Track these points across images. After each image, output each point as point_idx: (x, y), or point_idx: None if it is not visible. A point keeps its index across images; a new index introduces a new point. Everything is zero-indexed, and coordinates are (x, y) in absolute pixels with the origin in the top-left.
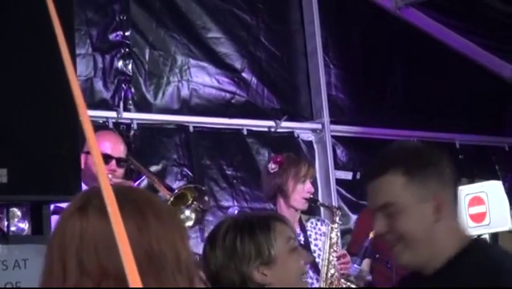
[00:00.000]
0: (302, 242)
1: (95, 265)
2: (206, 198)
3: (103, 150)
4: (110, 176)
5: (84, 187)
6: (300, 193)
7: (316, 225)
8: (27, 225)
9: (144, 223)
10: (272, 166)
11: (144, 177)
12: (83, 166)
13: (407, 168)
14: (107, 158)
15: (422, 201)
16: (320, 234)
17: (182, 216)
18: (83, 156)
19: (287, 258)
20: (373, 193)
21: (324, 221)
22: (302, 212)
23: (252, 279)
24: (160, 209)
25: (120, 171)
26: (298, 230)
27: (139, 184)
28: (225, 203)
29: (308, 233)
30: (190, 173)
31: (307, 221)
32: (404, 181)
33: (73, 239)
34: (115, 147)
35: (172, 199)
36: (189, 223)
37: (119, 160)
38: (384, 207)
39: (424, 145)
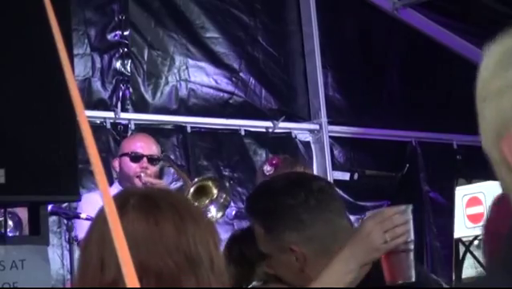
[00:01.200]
0: None
1: (135, 261)
2: (227, 185)
3: (133, 150)
4: (142, 174)
5: (118, 188)
6: None
7: None
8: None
9: (182, 225)
10: (267, 168)
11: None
12: (117, 169)
13: (264, 223)
14: (138, 157)
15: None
16: None
17: (209, 213)
18: (117, 159)
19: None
20: None
21: None
22: None
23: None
24: (197, 213)
25: (153, 169)
26: None
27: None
28: None
29: None
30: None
31: None
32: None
33: (110, 238)
34: (146, 146)
35: (192, 190)
36: (218, 215)
37: (150, 158)
38: None
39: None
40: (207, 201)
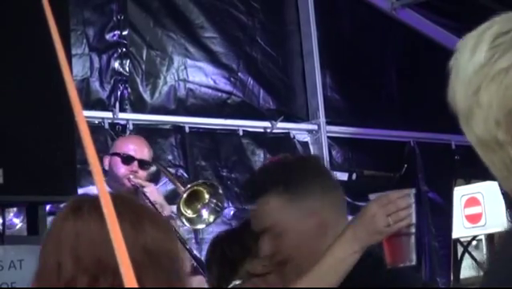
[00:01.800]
0: None
1: (93, 259)
2: (221, 192)
3: (126, 152)
4: (131, 176)
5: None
6: None
7: None
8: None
9: (139, 225)
10: None
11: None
12: (107, 167)
13: (286, 191)
14: (129, 159)
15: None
16: None
17: (198, 216)
18: (107, 158)
19: None
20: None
21: None
22: None
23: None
24: (156, 216)
25: (142, 173)
26: None
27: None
28: None
29: None
30: (185, 174)
31: None
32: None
33: (68, 238)
34: (139, 149)
35: (185, 196)
36: (205, 224)
37: (141, 162)
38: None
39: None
40: (199, 206)
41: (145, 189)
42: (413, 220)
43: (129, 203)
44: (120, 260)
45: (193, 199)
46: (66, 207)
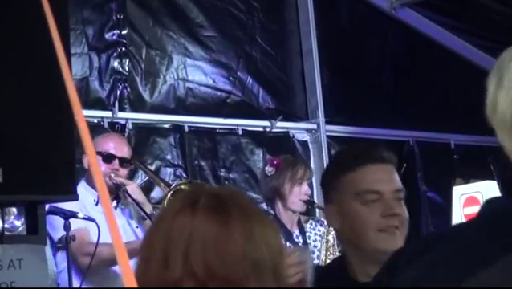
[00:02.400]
0: (300, 244)
1: (202, 264)
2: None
3: (106, 150)
4: (112, 174)
5: (88, 190)
6: (297, 195)
7: (316, 226)
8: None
9: (249, 229)
10: (269, 169)
11: (141, 175)
12: (87, 166)
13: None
14: (110, 158)
15: None
16: (319, 235)
17: None
18: (86, 158)
19: None
20: (393, 175)
21: (323, 221)
22: (302, 213)
23: None
24: (263, 216)
25: (123, 171)
26: (296, 232)
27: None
28: None
29: (307, 234)
30: (184, 174)
31: (307, 222)
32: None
33: (182, 234)
34: (119, 147)
35: (169, 195)
36: None
37: (122, 160)
38: (400, 191)
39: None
40: None
41: (127, 188)
42: (307, 277)
43: (239, 200)
44: (119, 260)
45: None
46: (180, 200)
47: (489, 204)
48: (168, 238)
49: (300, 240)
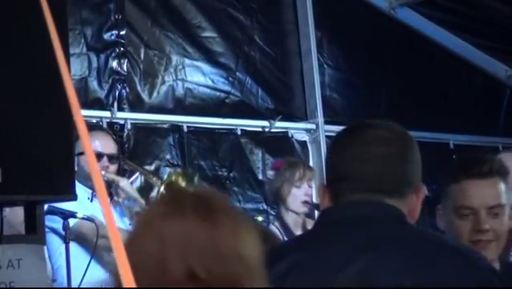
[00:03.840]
0: None
1: (201, 266)
2: (196, 180)
3: (94, 149)
4: (103, 172)
5: (80, 188)
6: (296, 196)
7: None
8: None
9: (237, 229)
10: (270, 173)
11: (137, 174)
12: (76, 167)
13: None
14: (98, 156)
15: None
16: None
17: None
18: (76, 158)
19: None
20: (491, 191)
21: None
22: (308, 216)
23: None
24: (245, 217)
25: (113, 167)
26: None
27: (132, 181)
28: None
29: None
30: None
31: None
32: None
33: (176, 237)
34: (106, 144)
35: (162, 188)
36: None
37: (110, 157)
38: (496, 207)
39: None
40: None
41: (120, 184)
42: None
43: (222, 201)
44: (119, 261)
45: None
46: (164, 202)
47: (324, 215)
48: (162, 243)
49: None
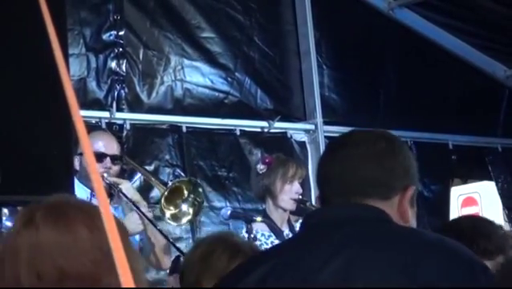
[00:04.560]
0: None
1: (52, 269)
2: (200, 190)
3: (96, 149)
4: (105, 174)
5: (80, 188)
6: (288, 193)
7: None
8: None
9: (93, 224)
10: (261, 167)
11: (138, 174)
12: (78, 168)
13: None
14: (101, 156)
15: None
16: None
17: (180, 211)
18: (77, 158)
19: None
20: None
21: None
22: (293, 213)
23: None
24: (98, 211)
25: (115, 168)
26: (287, 231)
27: (133, 182)
28: (217, 204)
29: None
30: (182, 174)
31: (296, 221)
32: None
33: (23, 251)
34: (109, 145)
35: (166, 194)
36: (188, 218)
37: (113, 158)
38: None
39: None
40: (178, 201)
41: (121, 186)
42: None
43: (76, 203)
44: (117, 261)
45: (175, 196)
46: (18, 220)
47: (306, 218)
48: (14, 255)
49: None
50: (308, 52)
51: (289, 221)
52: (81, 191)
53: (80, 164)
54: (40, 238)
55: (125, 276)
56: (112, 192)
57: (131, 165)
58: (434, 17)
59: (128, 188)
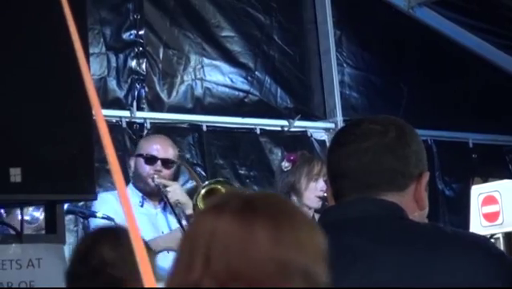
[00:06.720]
0: None
1: (224, 265)
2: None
3: (149, 152)
4: (155, 176)
5: (131, 189)
6: (313, 191)
7: None
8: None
9: (278, 234)
10: (285, 164)
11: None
12: (133, 168)
13: None
14: (152, 159)
15: None
16: None
17: None
18: (133, 159)
19: None
20: None
21: None
22: (316, 210)
23: None
24: (300, 220)
25: (167, 172)
26: None
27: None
28: None
29: None
30: (203, 173)
31: None
32: None
33: (203, 236)
34: (163, 149)
35: (202, 192)
36: None
37: (165, 161)
38: None
39: None
40: None
41: (168, 189)
42: None
43: (272, 205)
44: (139, 259)
45: (211, 196)
46: (209, 202)
47: (323, 215)
48: (191, 240)
49: None
50: (328, 51)
51: (313, 219)
52: (134, 197)
53: (135, 165)
54: (221, 227)
55: (146, 274)
56: (161, 193)
57: (187, 169)
58: (454, 15)
59: (177, 190)
